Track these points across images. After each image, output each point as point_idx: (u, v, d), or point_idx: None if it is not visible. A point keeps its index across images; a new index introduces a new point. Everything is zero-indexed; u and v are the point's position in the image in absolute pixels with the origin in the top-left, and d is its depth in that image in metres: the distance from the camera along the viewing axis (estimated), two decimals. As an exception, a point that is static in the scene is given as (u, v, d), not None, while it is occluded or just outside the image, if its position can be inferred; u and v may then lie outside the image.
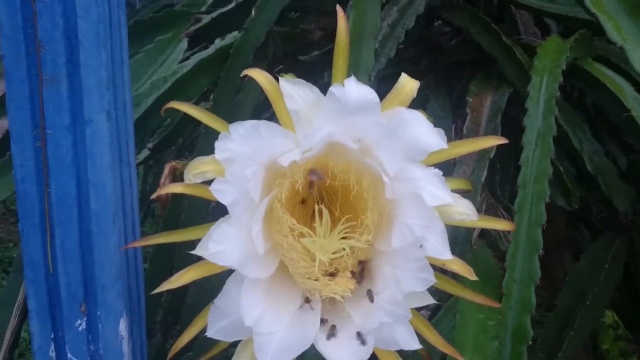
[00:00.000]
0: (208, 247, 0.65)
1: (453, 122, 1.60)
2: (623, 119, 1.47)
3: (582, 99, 1.78)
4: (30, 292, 1.06)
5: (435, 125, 1.53)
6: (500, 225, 0.80)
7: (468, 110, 1.50)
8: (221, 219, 0.68)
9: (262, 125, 0.68)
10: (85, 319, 1.05)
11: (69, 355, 1.07)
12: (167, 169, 1.78)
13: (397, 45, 1.45)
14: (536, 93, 1.23)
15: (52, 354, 1.08)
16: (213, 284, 1.65)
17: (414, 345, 0.70)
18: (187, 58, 1.62)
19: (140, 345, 1.21)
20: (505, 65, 1.55)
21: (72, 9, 1.00)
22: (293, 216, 0.73)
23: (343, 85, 0.68)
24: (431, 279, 0.68)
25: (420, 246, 0.67)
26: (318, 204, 0.75)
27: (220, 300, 0.69)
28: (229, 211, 0.67)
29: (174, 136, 1.89)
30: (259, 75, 0.73)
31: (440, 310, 1.12)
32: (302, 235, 0.73)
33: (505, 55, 1.55)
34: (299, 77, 0.73)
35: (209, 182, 0.73)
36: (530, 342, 0.99)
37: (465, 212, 0.72)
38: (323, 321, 0.72)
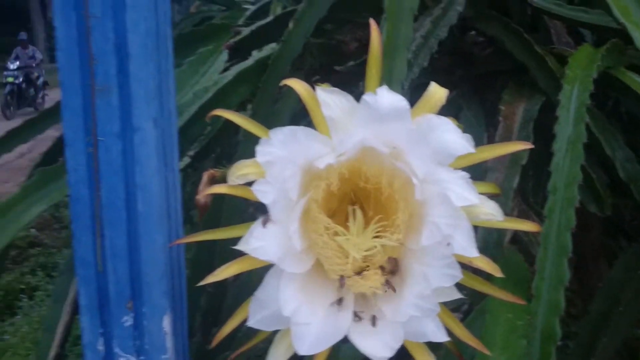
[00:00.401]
0: (250, 243, 0.71)
1: (486, 131, 1.63)
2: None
3: (616, 107, 1.79)
4: (81, 289, 1.12)
5: (468, 133, 1.57)
6: (526, 226, 0.83)
7: (500, 119, 1.52)
8: (261, 218, 0.73)
9: (300, 130, 0.74)
10: (132, 315, 1.11)
11: (116, 350, 1.12)
12: (205, 177, 1.84)
13: (430, 55, 1.49)
14: (567, 101, 1.26)
15: (101, 348, 1.13)
16: (251, 287, 1.71)
17: (442, 337, 0.74)
18: (227, 69, 1.69)
19: (182, 341, 1.26)
20: (538, 74, 1.57)
21: (122, 24, 1.07)
22: (328, 216, 0.78)
23: (375, 93, 0.73)
24: (458, 274, 0.72)
25: (448, 244, 0.71)
26: (352, 205, 0.79)
27: (260, 293, 0.74)
28: (269, 210, 0.72)
29: (213, 145, 1.96)
30: (297, 84, 0.79)
31: (471, 314, 1.16)
32: (336, 234, 0.77)
33: (538, 64, 1.57)
34: (334, 86, 0.78)
35: (249, 185, 0.78)
36: (561, 345, 1.02)
37: (491, 212, 0.76)
38: (355, 314, 0.76)
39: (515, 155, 1.43)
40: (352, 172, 0.77)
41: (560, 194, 1.11)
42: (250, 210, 1.97)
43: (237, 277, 1.99)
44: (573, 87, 1.28)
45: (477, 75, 1.88)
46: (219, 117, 1.88)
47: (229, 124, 1.95)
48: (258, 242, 0.71)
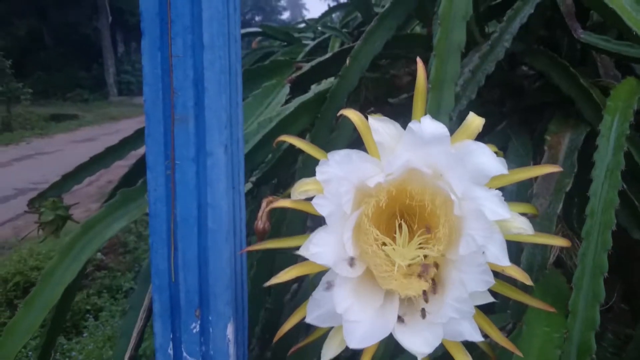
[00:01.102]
0: (309, 249, 0.83)
1: (532, 159, 1.71)
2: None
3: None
4: (155, 297, 1.24)
5: (516, 162, 1.66)
6: (555, 241, 0.92)
7: (546, 148, 1.60)
8: (319, 228, 0.85)
9: (354, 153, 0.86)
10: (199, 322, 1.22)
11: (185, 354, 1.23)
12: (264, 204, 1.98)
13: (477, 88, 1.59)
14: (607, 131, 1.33)
15: (171, 352, 1.24)
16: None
17: (477, 337, 0.83)
18: (288, 101, 1.84)
19: (243, 350, 1.37)
20: (583, 106, 1.64)
21: (200, 62, 1.21)
22: (377, 229, 0.89)
23: (420, 122, 0.85)
24: (491, 280, 0.81)
25: (482, 253, 0.81)
26: (398, 220, 0.90)
27: (317, 293, 0.86)
28: (326, 221, 0.84)
29: (272, 172, 2.10)
30: (352, 114, 0.91)
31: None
32: (384, 244, 0.88)
33: (583, 96, 1.64)
34: (387, 117, 0.90)
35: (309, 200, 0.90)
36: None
37: (521, 227, 0.85)
38: (400, 317, 0.87)
39: (559, 183, 1.51)
40: (398, 190, 0.88)
41: (598, 217, 1.19)
42: (308, 224, 2.09)
43: (293, 296, 2.12)
44: (613, 118, 1.36)
45: (526, 106, 1.96)
46: (279, 147, 2.04)
47: (288, 152, 2.11)
48: (316, 249, 0.83)
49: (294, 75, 1.89)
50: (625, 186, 1.25)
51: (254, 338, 1.94)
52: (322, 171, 0.85)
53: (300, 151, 2.27)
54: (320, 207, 0.83)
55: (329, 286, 0.80)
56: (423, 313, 0.86)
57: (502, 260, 0.82)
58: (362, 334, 0.83)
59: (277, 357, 1.86)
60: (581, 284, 1.12)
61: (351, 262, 0.85)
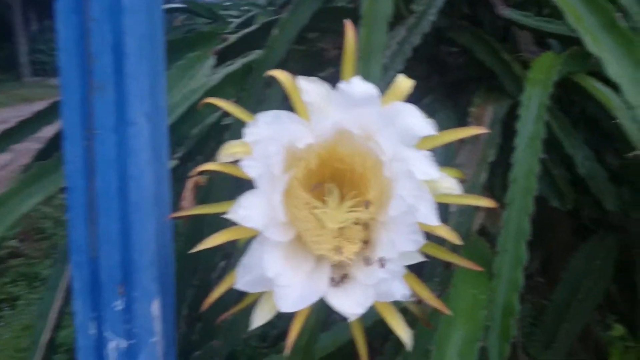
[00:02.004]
0: (238, 212, 0.80)
1: (457, 131, 1.74)
2: (614, 127, 1.60)
3: (583, 112, 1.91)
4: (75, 274, 1.18)
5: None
6: (483, 202, 0.93)
7: (470, 120, 1.63)
8: (248, 191, 0.82)
9: (283, 114, 0.84)
10: (122, 299, 1.17)
11: (107, 333, 1.18)
12: (190, 184, 1.93)
13: (405, 61, 1.60)
14: (528, 101, 1.37)
15: (92, 331, 1.18)
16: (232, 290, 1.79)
17: (408, 295, 0.83)
18: (214, 73, 1.79)
19: (170, 327, 1.33)
20: (505, 80, 1.69)
21: (119, 26, 1.15)
22: (308, 193, 0.87)
23: (350, 82, 0.84)
24: (421, 240, 0.81)
25: (413, 213, 0.81)
26: (329, 183, 0.89)
27: (246, 259, 0.83)
28: (255, 184, 0.81)
29: (198, 148, 2.04)
30: (280, 74, 0.89)
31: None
32: (315, 208, 0.87)
33: (505, 70, 1.69)
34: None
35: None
36: (528, 332, 1.12)
37: (451, 187, 0.86)
38: (332, 279, 0.86)
39: (483, 154, 1.54)
40: (329, 153, 0.87)
41: (520, 183, 1.22)
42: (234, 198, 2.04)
43: (221, 273, 2.08)
44: (534, 89, 1.40)
45: (451, 81, 1.99)
46: (205, 121, 1.98)
47: (214, 127, 2.06)
48: (245, 211, 0.80)
49: (219, 46, 1.84)
50: (545, 156, 1.29)
51: (181, 317, 1.89)
52: (251, 132, 0.83)
53: (227, 127, 2.23)
54: (248, 168, 0.80)
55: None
56: (354, 276, 0.85)
57: (432, 220, 0.82)
58: (294, 298, 0.82)
59: (205, 336, 1.83)
60: (505, 248, 1.15)
61: (281, 225, 0.84)
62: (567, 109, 1.79)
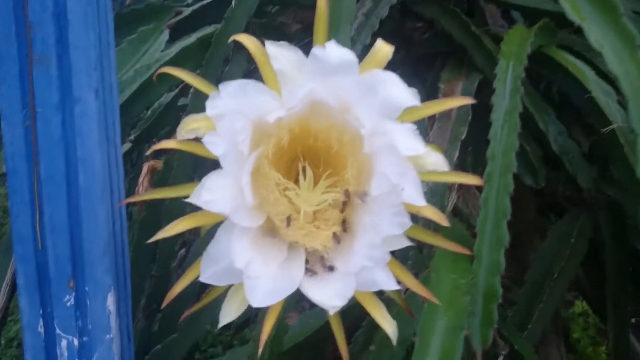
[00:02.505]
0: (201, 195, 0.71)
1: (426, 108, 1.68)
2: (586, 102, 1.56)
3: (549, 88, 1.87)
4: (19, 268, 1.08)
5: (410, 110, 1.58)
6: (469, 179, 0.86)
7: (440, 96, 1.57)
8: (212, 172, 0.73)
9: (250, 84, 0.74)
10: (73, 294, 1.07)
11: (58, 331, 1.08)
12: (145, 169, 1.82)
13: (371, 33, 1.52)
14: (503, 75, 1.31)
15: (41, 329, 1.09)
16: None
17: (392, 285, 0.76)
18: (168, 48, 1.67)
19: (127, 322, 1.24)
20: (475, 54, 1.63)
21: (61, -9, 1.04)
22: (279, 173, 0.79)
23: (324, 47, 0.74)
24: (407, 222, 0.74)
25: (397, 193, 0.73)
26: (302, 162, 0.80)
27: (212, 248, 0.74)
28: (221, 162, 0.72)
29: (153, 130, 1.93)
30: (246, 40, 0.79)
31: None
32: (287, 189, 0.78)
33: (475, 44, 1.63)
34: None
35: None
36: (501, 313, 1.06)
37: (436, 163, 0.79)
38: (307, 269, 0.77)
39: (455, 132, 1.48)
40: (302, 128, 0.78)
41: (498, 160, 1.16)
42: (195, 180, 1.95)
43: (180, 262, 1.97)
44: (509, 61, 1.34)
45: (417, 57, 1.92)
46: (159, 101, 1.86)
47: (169, 107, 1.94)
48: (209, 195, 0.71)
49: (173, 20, 1.72)
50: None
51: (139, 309, 1.79)
52: (214, 105, 0.73)
53: (184, 107, 2.11)
54: (213, 145, 0.71)
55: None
56: (332, 264, 0.77)
57: (418, 200, 0.74)
58: (266, 290, 0.73)
59: (165, 329, 1.73)
60: (484, 228, 1.09)
61: (250, 210, 0.75)
62: (536, 83, 1.75)
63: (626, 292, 1.72)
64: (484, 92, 1.54)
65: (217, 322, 0.80)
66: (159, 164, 1.87)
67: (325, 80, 0.74)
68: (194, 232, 2.00)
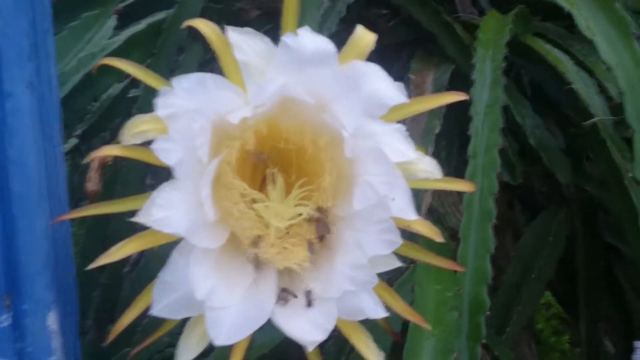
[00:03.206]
0: (151, 213, 0.58)
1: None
2: (562, 94, 1.49)
3: (519, 78, 1.80)
4: (-57, 284, 0.96)
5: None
6: (460, 186, 0.77)
7: (411, 88, 1.47)
8: (165, 183, 0.61)
9: (209, 78, 0.62)
10: (10, 313, 0.95)
11: (-7, 355, 0.98)
12: (95, 163, 1.67)
13: (338, 20, 1.41)
14: (482, 64, 1.22)
15: None
16: (149, 277, 1.56)
17: (380, 313, 0.65)
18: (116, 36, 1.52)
19: (73, 340, 1.13)
20: (446, 42, 1.54)
21: (-16, -30, 0.91)
22: (244, 181, 0.67)
23: (296, 34, 0.63)
24: (397, 240, 0.63)
25: (384, 206, 0.62)
26: (271, 169, 0.69)
27: (166, 274, 0.62)
28: (175, 173, 0.60)
29: (102, 124, 1.78)
30: (203, 25, 0.67)
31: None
32: (254, 201, 0.67)
33: (446, 32, 1.54)
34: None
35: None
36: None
37: (429, 169, 0.68)
38: (280, 294, 0.66)
39: (428, 125, 1.38)
40: (270, 129, 0.66)
41: (481, 158, 1.07)
42: (148, 182, 1.81)
43: (133, 267, 1.84)
44: (487, 50, 1.25)
45: (384, 46, 1.82)
46: (107, 92, 1.71)
47: (119, 99, 1.79)
48: (162, 212, 0.58)
49: (120, 5, 1.57)
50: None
51: (87, 320, 1.65)
52: (166, 103, 0.60)
53: (136, 99, 1.96)
54: (164, 153, 0.58)
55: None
56: (309, 287, 0.66)
57: (408, 213, 0.64)
58: (232, 323, 0.61)
59: (116, 340, 1.58)
60: (468, 234, 1.00)
61: (211, 227, 0.63)
62: (505, 73, 1.68)
63: (598, 288, 1.67)
64: (456, 83, 1.45)
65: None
66: (110, 158, 1.73)
67: (299, 73, 0.62)
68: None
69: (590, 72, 1.38)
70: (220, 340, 0.60)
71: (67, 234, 1.12)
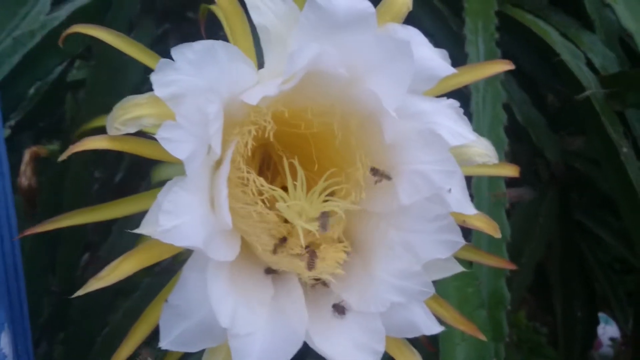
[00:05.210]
0: (160, 223, 0.45)
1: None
2: (539, 68, 1.42)
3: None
4: None
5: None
6: (508, 170, 0.67)
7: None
8: (172, 182, 0.47)
9: (220, 47, 0.48)
10: (-45, 338, 0.84)
11: (-62, 387, 0.84)
12: (27, 155, 1.50)
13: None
14: (474, 36, 1.12)
15: None
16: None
17: (436, 328, 0.54)
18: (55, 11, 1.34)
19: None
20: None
21: None
22: (260, 177, 0.54)
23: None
24: (458, 240, 0.52)
25: (445, 195, 0.51)
26: (287, 159, 0.56)
27: (176, 296, 0.48)
28: (186, 169, 0.46)
29: (38, 112, 1.60)
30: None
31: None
32: (273, 200, 0.54)
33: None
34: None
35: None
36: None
37: (486, 153, 0.58)
38: (317, 311, 0.54)
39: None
40: (292, 110, 0.54)
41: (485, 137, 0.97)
42: (95, 188, 1.64)
43: (84, 270, 1.65)
44: (477, 21, 1.15)
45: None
46: (44, 79, 1.52)
47: (57, 86, 1.60)
48: (172, 220, 0.45)
49: (58, -25, 1.38)
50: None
51: (36, 331, 1.47)
52: (166, 81, 0.47)
53: (76, 84, 1.77)
54: (173, 144, 0.45)
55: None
56: (341, 300, 0.54)
57: (466, 207, 0.53)
58: (261, 352, 0.49)
59: (72, 352, 1.43)
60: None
61: (227, 235, 0.50)
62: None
63: (572, 263, 1.64)
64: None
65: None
66: (43, 149, 1.56)
67: (330, 39, 0.50)
68: (98, 230, 1.69)
69: (575, 44, 1.31)
70: (252, 376, 0.47)
71: (16, 245, 0.98)
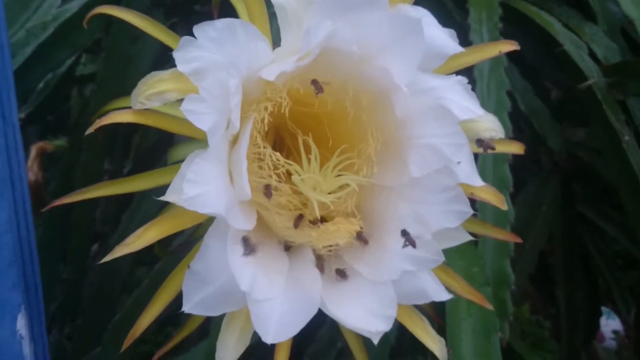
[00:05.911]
0: (185, 190, 0.47)
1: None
2: (541, 58, 1.44)
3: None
4: None
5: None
6: (512, 147, 0.69)
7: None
8: (193, 154, 0.50)
9: (239, 26, 0.51)
10: (-26, 322, 0.85)
11: (-46, 368, 0.87)
12: (34, 151, 1.52)
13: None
14: (478, 25, 1.15)
15: None
16: (115, 268, 1.41)
17: (444, 295, 0.57)
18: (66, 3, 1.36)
19: (42, 345, 1.01)
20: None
21: None
22: (276, 152, 0.57)
23: (339, -28, 0.53)
24: (467, 210, 0.55)
25: (455, 167, 0.54)
26: (301, 136, 0.59)
27: (198, 263, 0.51)
28: (209, 140, 0.49)
29: (47, 106, 1.63)
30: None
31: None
32: (288, 174, 0.57)
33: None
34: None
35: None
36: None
37: (493, 127, 0.60)
38: (327, 280, 0.56)
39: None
40: (306, 88, 0.56)
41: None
42: (105, 179, 1.66)
43: (95, 259, 1.68)
44: (480, 11, 1.17)
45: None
46: (54, 72, 1.54)
47: (66, 80, 1.62)
48: (196, 189, 0.47)
49: (69, -31, 1.40)
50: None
51: (47, 318, 1.50)
52: (189, 57, 0.49)
53: (84, 79, 1.79)
54: (196, 116, 0.47)
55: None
56: (349, 268, 0.56)
57: (474, 179, 0.56)
58: (279, 317, 0.51)
59: (82, 339, 1.45)
60: (485, 205, 0.92)
61: (245, 206, 0.52)
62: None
63: (574, 256, 1.67)
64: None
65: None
66: (49, 145, 1.59)
67: (344, 17, 0.52)
68: (108, 221, 1.71)
69: (577, 35, 1.33)
70: (269, 337, 0.50)
71: (30, 226, 1.00)
